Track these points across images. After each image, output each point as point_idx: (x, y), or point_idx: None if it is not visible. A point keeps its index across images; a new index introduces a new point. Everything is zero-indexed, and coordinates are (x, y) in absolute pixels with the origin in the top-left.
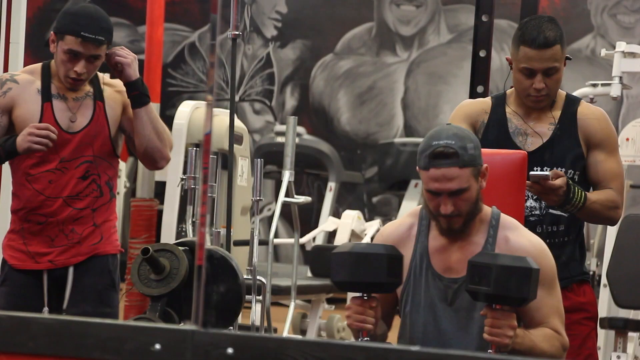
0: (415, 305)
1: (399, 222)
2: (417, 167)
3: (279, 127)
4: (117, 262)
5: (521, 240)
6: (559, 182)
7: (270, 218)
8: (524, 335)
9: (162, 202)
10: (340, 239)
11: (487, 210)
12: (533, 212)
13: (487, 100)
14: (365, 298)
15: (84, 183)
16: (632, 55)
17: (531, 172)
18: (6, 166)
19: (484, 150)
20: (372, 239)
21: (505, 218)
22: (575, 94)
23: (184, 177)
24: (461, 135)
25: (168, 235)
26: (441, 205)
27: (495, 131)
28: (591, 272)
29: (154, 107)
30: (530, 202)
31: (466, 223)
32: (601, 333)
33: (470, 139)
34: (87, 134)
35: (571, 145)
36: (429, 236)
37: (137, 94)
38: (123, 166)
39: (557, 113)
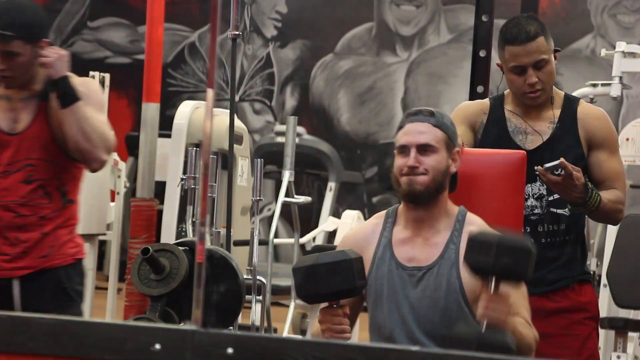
0: (378, 295)
1: (363, 224)
2: (395, 137)
3: (279, 127)
4: (76, 270)
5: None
6: (579, 175)
7: (270, 218)
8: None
9: (162, 202)
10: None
11: (454, 207)
12: (534, 211)
13: (486, 101)
14: (335, 306)
15: (27, 188)
16: (632, 55)
17: (545, 165)
18: None
19: (483, 150)
20: None
21: (471, 215)
22: (575, 94)
23: (184, 177)
24: (442, 111)
25: (168, 235)
26: (407, 161)
27: (494, 131)
28: (591, 272)
29: (155, 107)
30: (530, 201)
31: (429, 190)
32: (601, 333)
33: (450, 119)
34: (27, 135)
35: (571, 144)
36: (394, 230)
37: (60, 94)
38: (123, 166)
39: (556, 112)
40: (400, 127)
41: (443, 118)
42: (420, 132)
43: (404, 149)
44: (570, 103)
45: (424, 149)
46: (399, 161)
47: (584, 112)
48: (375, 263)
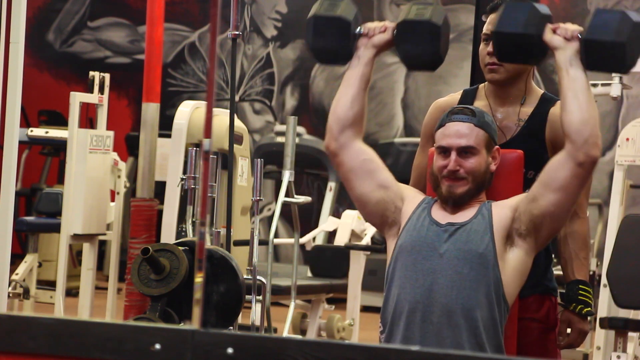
0: (404, 247)
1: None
2: (434, 133)
3: (279, 127)
4: None
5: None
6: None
7: (270, 218)
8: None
9: (162, 202)
10: (340, 239)
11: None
12: None
13: (456, 97)
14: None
15: None
16: None
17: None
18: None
19: None
20: (372, 239)
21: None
22: None
23: (184, 177)
24: (483, 110)
25: (168, 235)
26: (448, 163)
27: None
28: (591, 272)
29: (155, 107)
30: None
31: (469, 193)
32: (601, 333)
33: (491, 116)
34: None
35: (536, 147)
36: (432, 206)
37: None
38: (123, 166)
39: (527, 110)
40: (441, 125)
41: (484, 116)
42: (462, 134)
43: (445, 151)
44: (545, 103)
45: (465, 151)
46: (439, 162)
47: (555, 113)
48: (411, 218)
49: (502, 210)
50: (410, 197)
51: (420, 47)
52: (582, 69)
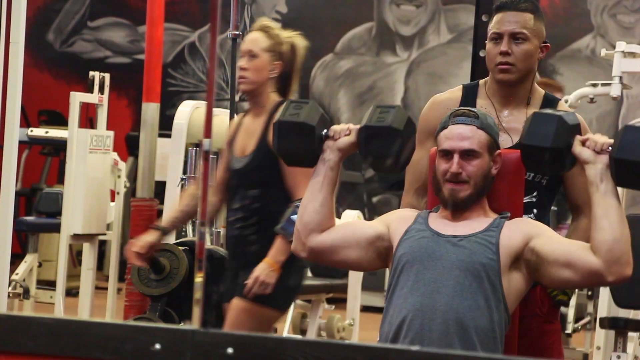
0: (408, 261)
1: (402, 209)
2: (436, 136)
3: None
4: None
5: (524, 220)
6: None
7: None
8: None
9: (162, 202)
10: None
11: (492, 212)
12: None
13: (457, 94)
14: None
15: None
16: (632, 55)
17: None
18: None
19: None
20: None
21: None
22: (575, 94)
23: (184, 177)
24: (485, 112)
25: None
26: (450, 166)
27: None
28: None
29: (155, 107)
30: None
31: (471, 197)
32: (601, 333)
33: (493, 120)
34: None
35: None
36: (430, 215)
37: None
38: (123, 166)
39: (533, 110)
40: (443, 128)
41: (486, 119)
42: (464, 136)
43: (447, 154)
44: (550, 103)
45: (467, 154)
46: (441, 165)
47: None
48: (409, 232)
49: (513, 233)
50: (399, 219)
51: (382, 151)
52: (613, 183)
